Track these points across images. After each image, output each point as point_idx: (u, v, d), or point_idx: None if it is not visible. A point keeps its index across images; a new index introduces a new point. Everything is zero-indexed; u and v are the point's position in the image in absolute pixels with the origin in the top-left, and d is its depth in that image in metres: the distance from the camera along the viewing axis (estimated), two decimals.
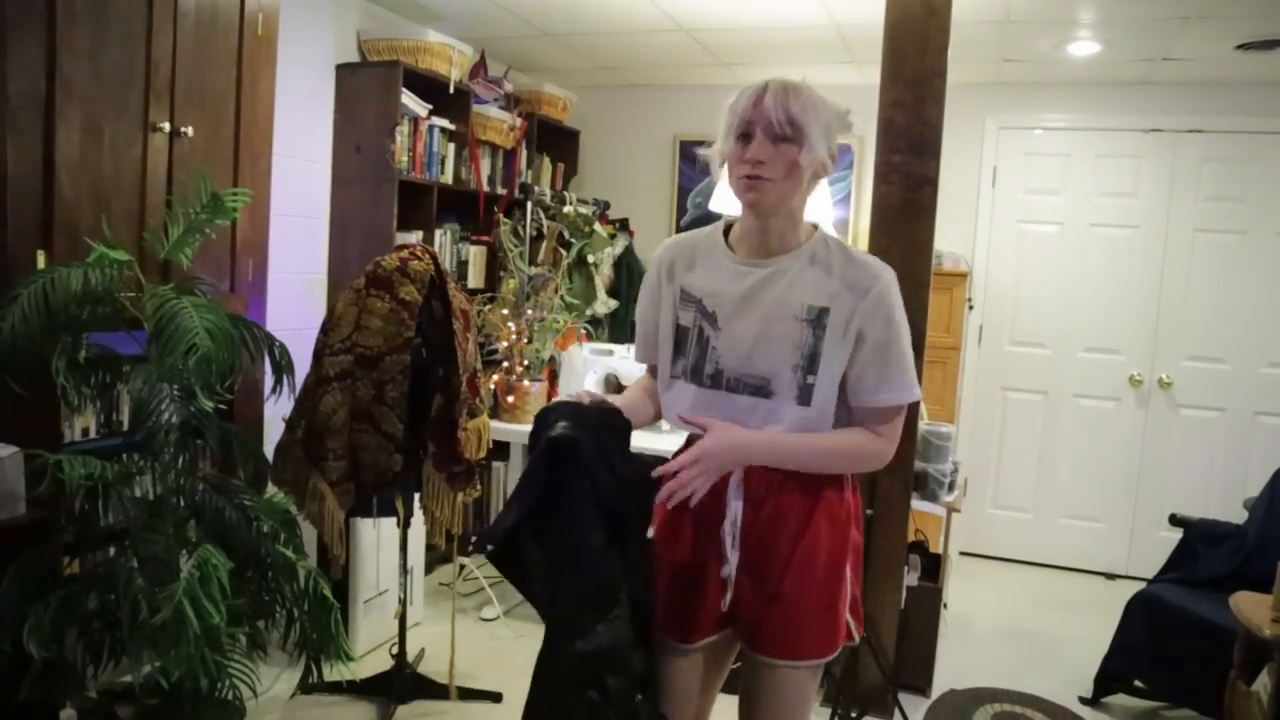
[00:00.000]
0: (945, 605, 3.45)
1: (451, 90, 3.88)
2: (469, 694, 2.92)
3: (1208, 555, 3.19)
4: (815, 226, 1.61)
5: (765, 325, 1.53)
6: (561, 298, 3.77)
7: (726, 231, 1.64)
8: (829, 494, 1.58)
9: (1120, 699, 3.17)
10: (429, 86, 3.79)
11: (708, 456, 1.46)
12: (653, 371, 1.76)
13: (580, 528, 1.47)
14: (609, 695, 1.46)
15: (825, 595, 1.57)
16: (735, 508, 1.56)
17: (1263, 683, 2.42)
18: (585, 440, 1.46)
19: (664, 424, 1.76)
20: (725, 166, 1.56)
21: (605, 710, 1.46)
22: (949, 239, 4.47)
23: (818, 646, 1.58)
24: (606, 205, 4.81)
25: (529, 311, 3.63)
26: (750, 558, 1.57)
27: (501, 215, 4.26)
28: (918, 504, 3.08)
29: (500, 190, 4.44)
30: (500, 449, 3.80)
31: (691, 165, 5.06)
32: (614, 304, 4.56)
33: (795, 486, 1.55)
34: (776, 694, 1.60)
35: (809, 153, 1.47)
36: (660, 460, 1.48)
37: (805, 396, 1.52)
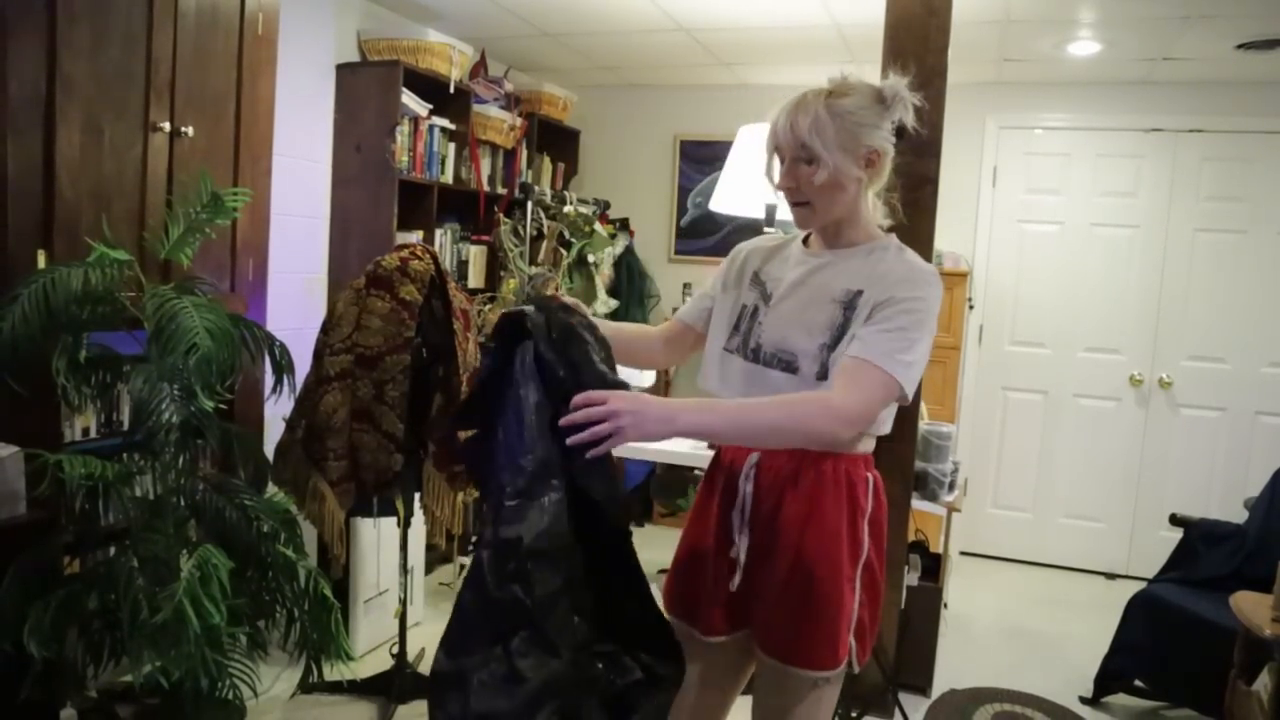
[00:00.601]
0: (945, 605, 3.45)
1: (452, 90, 3.88)
2: None
3: (1208, 555, 3.19)
4: (890, 234, 1.60)
5: (805, 306, 1.56)
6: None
7: (806, 239, 1.68)
8: (845, 488, 1.54)
9: (1120, 699, 3.17)
10: (429, 86, 3.79)
11: (639, 401, 1.34)
12: (678, 333, 1.78)
13: (517, 398, 1.37)
14: (533, 593, 1.31)
15: (827, 600, 1.53)
16: (745, 490, 1.56)
17: (1263, 682, 2.42)
18: (537, 318, 1.43)
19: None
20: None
21: (525, 610, 1.31)
22: (949, 239, 4.47)
23: (817, 655, 1.53)
24: (607, 205, 4.81)
25: None
26: (758, 547, 1.57)
27: (502, 215, 4.26)
28: (918, 504, 3.08)
29: (500, 190, 4.44)
30: None
31: (691, 165, 5.07)
32: (614, 304, 4.56)
33: (810, 479, 1.53)
34: (779, 697, 1.59)
35: (825, 170, 1.48)
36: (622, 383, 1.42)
37: (825, 372, 1.50)
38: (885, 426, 1.56)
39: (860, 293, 1.51)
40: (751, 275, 1.67)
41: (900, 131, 1.56)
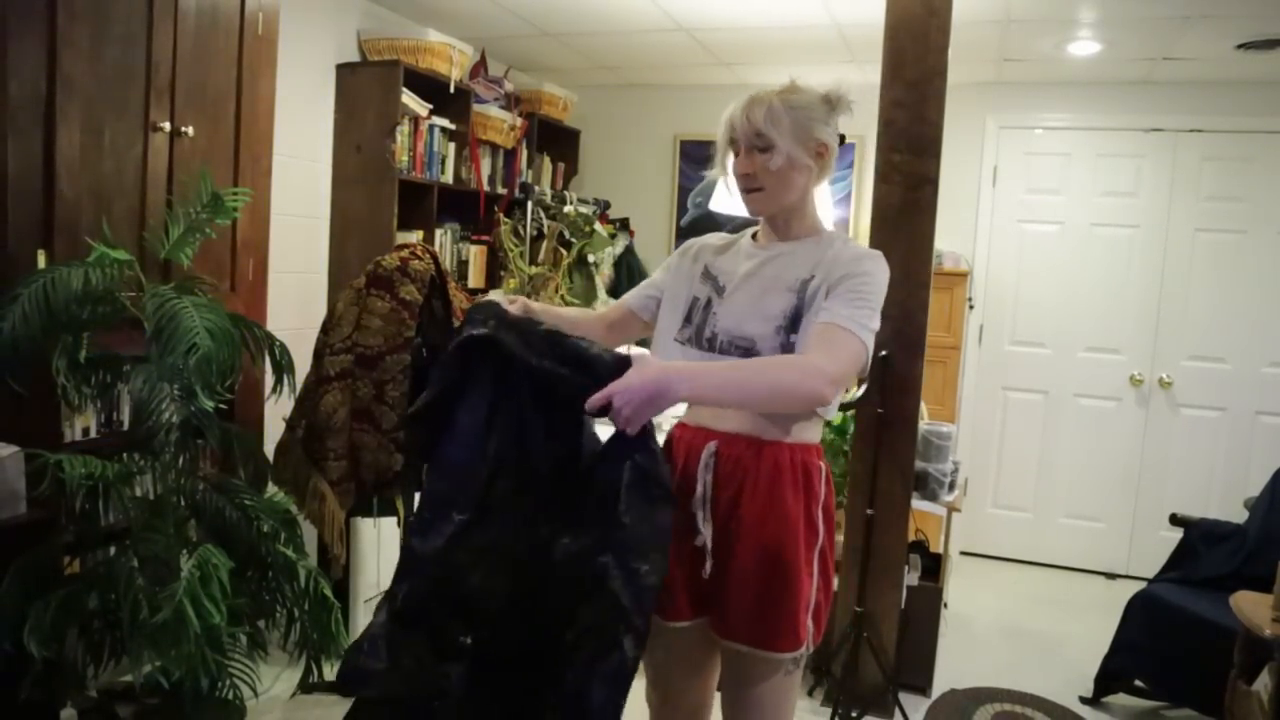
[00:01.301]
0: (945, 605, 3.45)
1: (452, 90, 3.88)
2: None
3: (1208, 555, 3.19)
4: (833, 227, 1.71)
5: (760, 295, 1.64)
6: (562, 297, 3.77)
7: (755, 235, 1.77)
8: (800, 476, 1.60)
9: (1120, 699, 3.17)
10: (429, 86, 3.79)
11: (628, 390, 1.37)
12: (623, 319, 1.86)
13: (471, 418, 1.48)
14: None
15: (788, 585, 1.57)
16: (705, 480, 1.60)
17: (1263, 682, 2.42)
18: (508, 336, 1.47)
19: None
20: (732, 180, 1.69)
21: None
22: (949, 239, 4.47)
23: (780, 639, 1.57)
24: (607, 205, 4.81)
25: None
26: (719, 534, 1.61)
27: (502, 215, 4.26)
28: (918, 503, 3.08)
29: (500, 190, 4.44)
30: None
31: (692, 165, 5.07)
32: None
33: (769, 467, 1.58)
34: (746, 684, 1.64)
35: (779, 156, 1.58)
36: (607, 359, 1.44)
37: (786, 353, 1.58)
38: (832, 411, 1.65)
39: (811, 278, 1.60)
40: (702, 270, 1.74)
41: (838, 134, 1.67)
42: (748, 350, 1.59)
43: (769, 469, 1.58)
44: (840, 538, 3.06)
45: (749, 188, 1.63)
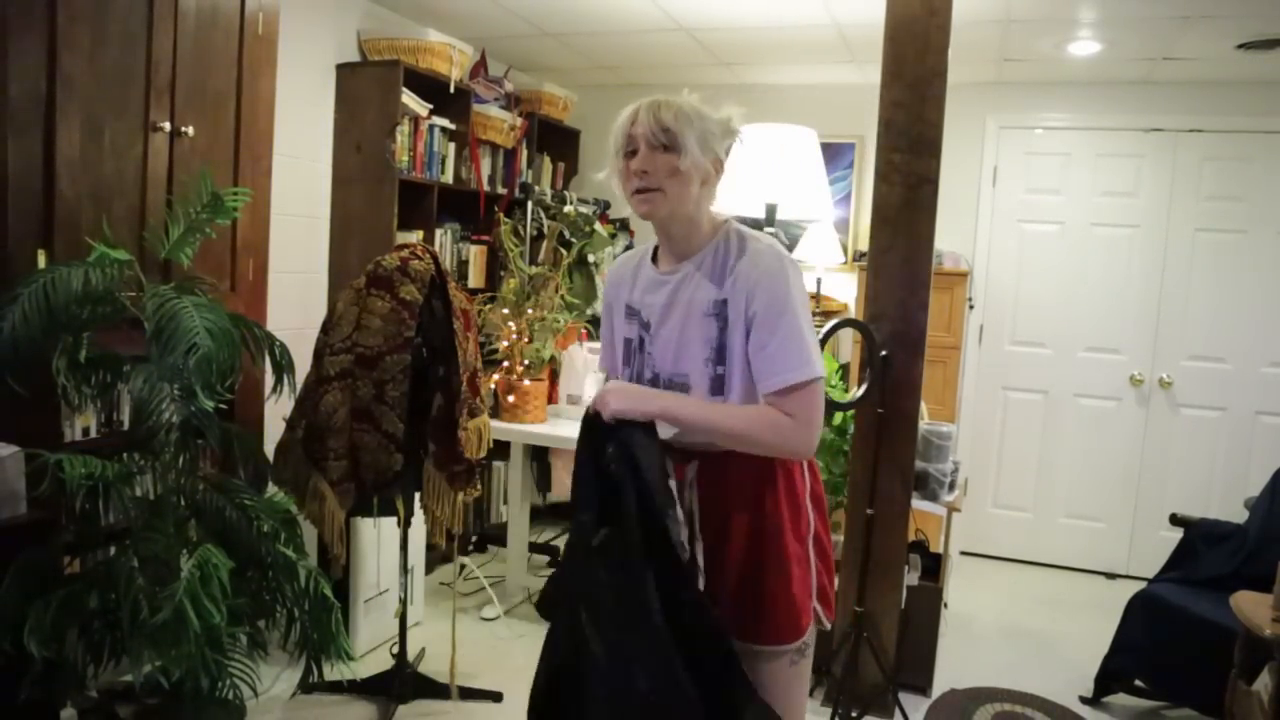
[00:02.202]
0: (946, 605, 3.45)
1: (452, 90, 3.88)
2: (470, 693, 2.92)
3: (1208, 555, 3.19)
4: (725, 221, 1.69)
5: (682, 327, 1.64)
6: (562, 297, 3.77)
7: (656, 251, 1.75)
8: (781, 479, 1.63)
9: (1121, 698, 3.17)
10: (429, 86, 3.79)
11: (604, 395, 1.58)
12: None
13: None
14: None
15: (778, 581, 1.61)
16: (690, 499, 1.63)
17: (1263, 682, 2.42)
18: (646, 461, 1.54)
19: None
20: (622, 184, 1.67)
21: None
22: (949, 239, 4.47)
23: (777, 631, 1.61)
24: (607, 205, 4.81)
25: (529, 311, 3.63)
26: (708, 548, 1.63)
27: (502, 215, 4.26)
28: (918, 503, 3.08)
29: (500, 190, 4.44)
30: (500, 448, 3.79)
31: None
32: None
33: (750, 478, 1.62)
34: (754, 676, 1.64)
35: (687, 157, 1.57)
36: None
37: (718, 386, 1.60)
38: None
39: (725, 301, 1.59)
40: (625, 309, 1.75)
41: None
42: (683, 387, 1.63)
43: (750, 480, 1.62)
44: (840, 538, 3.06)
45: (645, 187, 1.59)
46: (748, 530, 1.61)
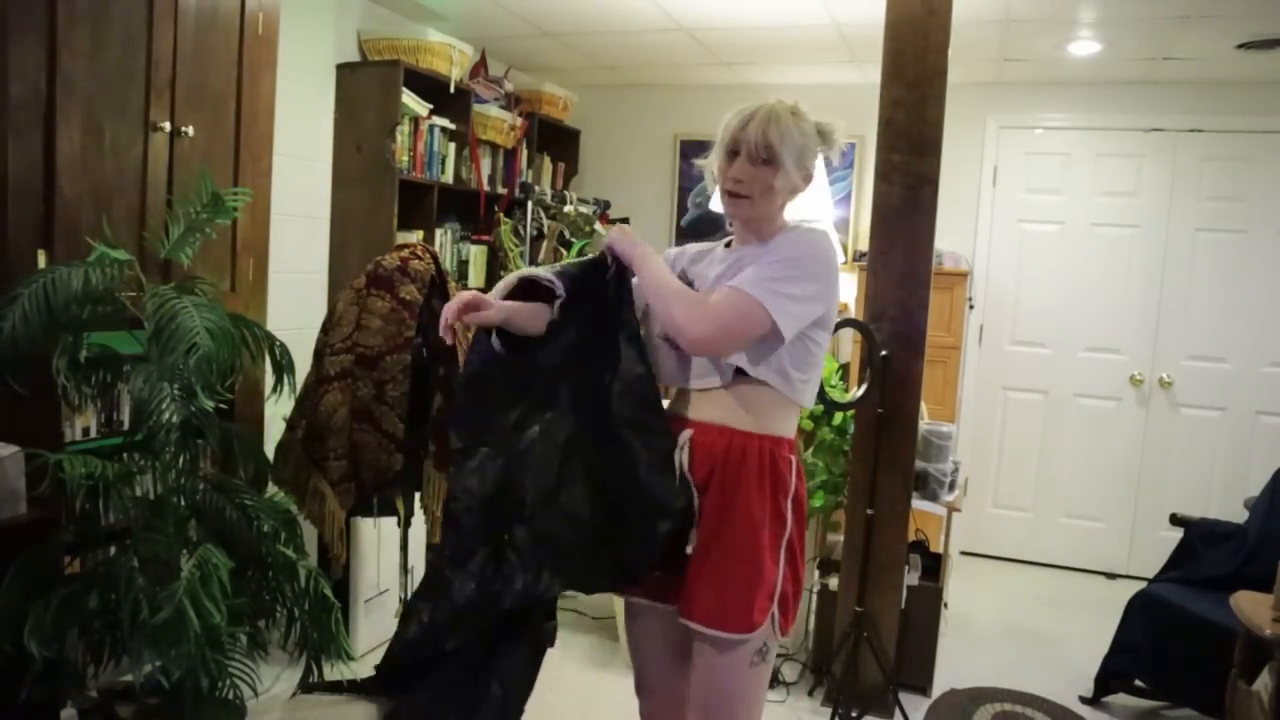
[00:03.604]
0: (946, 605, 3.45)
1: (452, 90, 3.88)
2: None
3: (1208, 555, 3.19)
4: (798, 224, 1.76)
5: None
6: None
7: (728, 243, 1.83)
8: (769, 471, 1.65)
9: (1121, 698, 3.17)
10: (429, 86, 3.79)
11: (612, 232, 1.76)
12: None
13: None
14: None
15: (745, 569, 1.62)
16: (679, 460, 1.65)
17: (1263, 682, 2.42)
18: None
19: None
20: (718, 177, 1.74)
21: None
22: (949, 239, 4.47)
23: (727, 618, 1.62)
24: (607, 205, 4.81)
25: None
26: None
27: (502, 215, 4.26)
28: (918, 503, 3.08)
29: (501, 190, 4.44)
30: None
31: (692, 165, 5.06)
32: None
33: (737, 458, 1.64)
34: (703, 666, 1.67)
35: (784, 178, 1.65)
36: None
37: (752, 358, 1.64)
38: (806, 398, 1.70)
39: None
40: (681, 273, 1.80)
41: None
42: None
43: (737, 458, 1.64)
44: (840, 538, 3.06)
45: (737, 193, 1.67)
46: (724, 508, 1.63)
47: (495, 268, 4.30)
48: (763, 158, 1.64)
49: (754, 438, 1.65)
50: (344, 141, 3.64)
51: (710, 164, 1.75)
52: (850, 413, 3.10)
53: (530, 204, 4.27)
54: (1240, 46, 3.65)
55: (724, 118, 1.70)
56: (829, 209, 3.25)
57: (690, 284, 1.76)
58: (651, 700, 1.85)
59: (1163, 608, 2.99)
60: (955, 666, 3.35)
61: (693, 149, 5.05)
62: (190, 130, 2.47)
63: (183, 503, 2.25)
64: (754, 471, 1.64)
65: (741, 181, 1.66)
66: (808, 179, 1.71)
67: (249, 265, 2.73)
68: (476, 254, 4.25)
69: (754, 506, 1.63)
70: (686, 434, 1.67)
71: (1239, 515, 3.37)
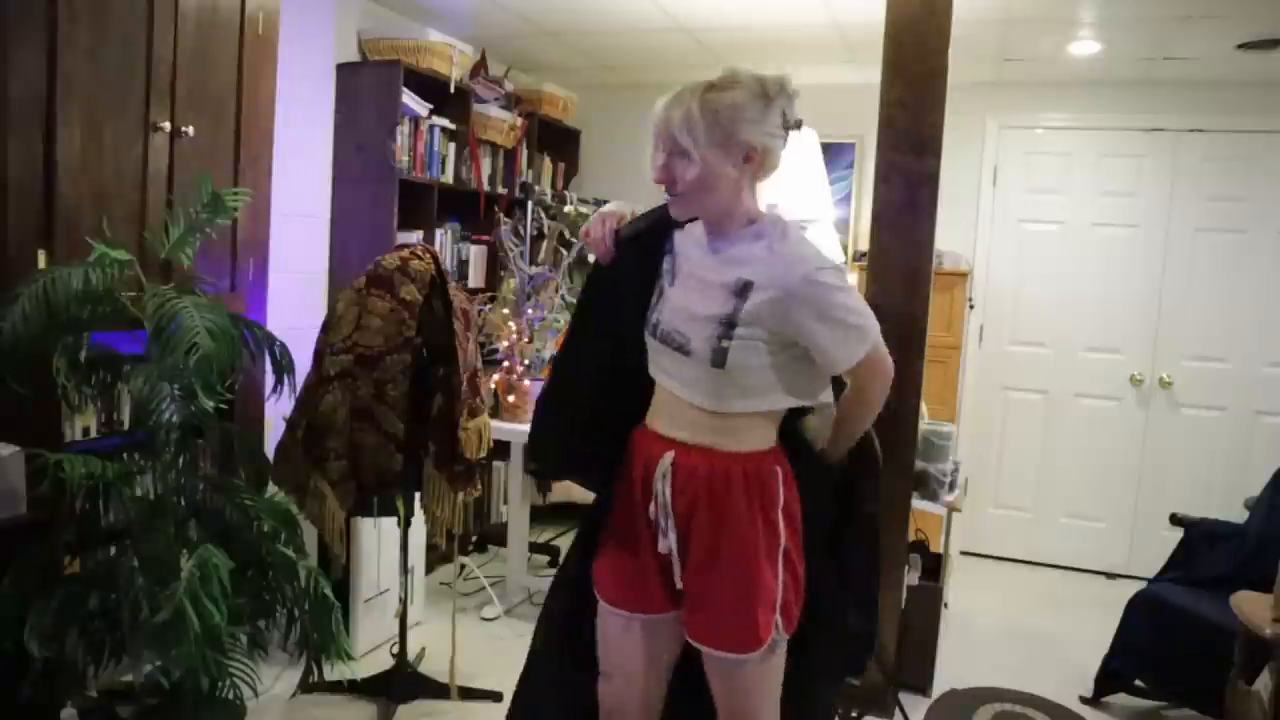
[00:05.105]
0: (946, 605, 3.44)
1: (452, 90, 3.88)
2: (470, 693, 2.92)
3: (1208, 555, 3.18)
4: (769, 210, 1.68)
5: (699, 292, 1.61)
6: (562, 297, 3.77)
7: None
8: (755, 488, 1.61)
9: (1121, 699, 3.17)
10: (429, 86, 3.79)
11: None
12: None
13: None
14: None
15: (742, 590, 1.59)
16: (664, 492, 1.62)
17: (1263, 682, 2.42)
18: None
19: None
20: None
21: None
22: (949, 238, 4.46)
23: (737, 639, 1.60)
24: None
25: (529, 311, 3.63)
26: (678, 540, 1.64)
27: (502, 215, 4.26)
28: (918, 503, 3.08)
29: (501, 190, 4.44)
30: (501, 448, 3.79)
31: None
32: None
33: (721, 480, 1.60)
34: (719, 680, 1.67)
35: (702, 166, 1.52)
36: None
37: (720, 359, 1.56)
38: (824, 395, 1.69)
39: (751, 284, 1.55)
40: (669, 247, 1.71)
41: (787, 124, 1.58)
42: (681, 347, 1.60)
43: (721, 479, 1.59)
44: None
45: (668, 190, 1.58)
46: (712, 530, 1.60)
47: (495, 268, 4.31)
48: (675, 150, 1.53)
49: (738, 459, 1.60)
50: (344, 141, 3.64)
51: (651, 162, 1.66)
52: None
53: (530, 204, 4.26)
54: (1240, 46, 3.64)
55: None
56: (829, 209, 3.25)
57: (674, 259, 1.69)
58: (627, 689, 1.77)
59: (1163, 608, 2.98)
60: (955, 666, 3.35)
61: None
62: (190, 130, 2.47)
63: (183, 503, 2.25)
64: (740, 495, 1.59)
65: (667, 180, 1.56)
66: (751, 155, 1.54)
67: (249, 265, 2.73)
68: (476, 254, 4.25)
69: (744, 526, 1.59)
70: (668, 458, 1.62)
71: (1239, 515, 3.36)
